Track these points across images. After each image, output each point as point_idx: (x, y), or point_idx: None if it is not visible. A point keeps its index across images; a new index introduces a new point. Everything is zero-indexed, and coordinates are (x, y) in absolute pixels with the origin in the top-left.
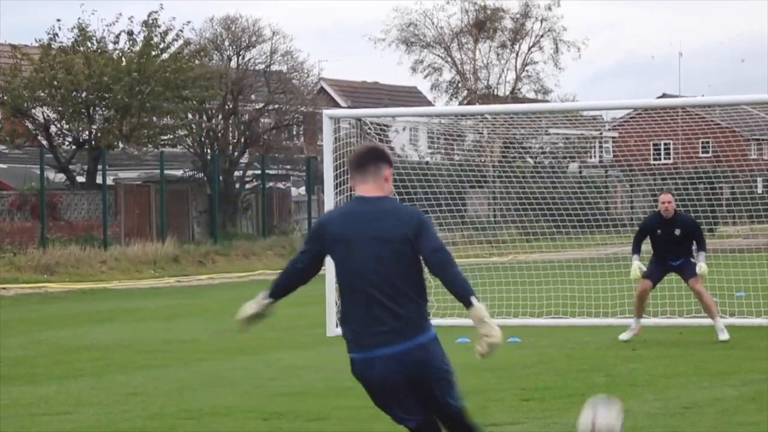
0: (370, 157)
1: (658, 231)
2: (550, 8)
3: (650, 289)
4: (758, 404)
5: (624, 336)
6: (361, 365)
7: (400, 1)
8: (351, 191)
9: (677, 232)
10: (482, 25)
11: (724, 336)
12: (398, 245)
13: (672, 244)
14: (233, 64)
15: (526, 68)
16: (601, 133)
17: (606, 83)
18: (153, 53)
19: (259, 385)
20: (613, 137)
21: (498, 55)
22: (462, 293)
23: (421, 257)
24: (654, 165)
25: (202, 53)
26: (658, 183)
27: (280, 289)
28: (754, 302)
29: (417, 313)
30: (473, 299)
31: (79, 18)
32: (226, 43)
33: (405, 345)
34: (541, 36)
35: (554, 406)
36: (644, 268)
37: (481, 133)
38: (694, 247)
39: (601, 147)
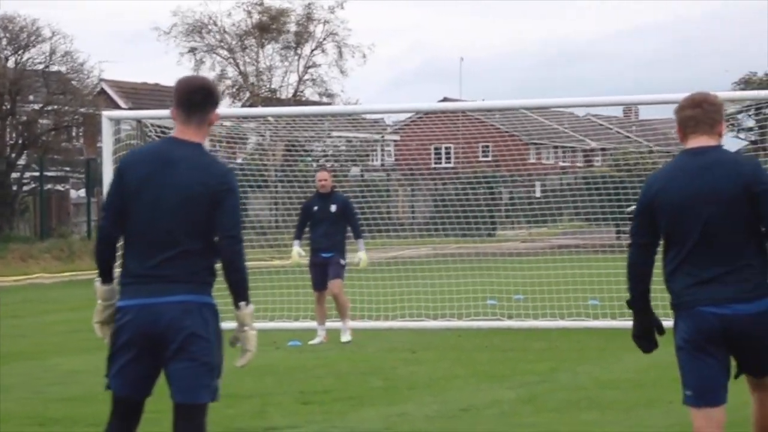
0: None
1: (315, 208)
2: (333, 11)
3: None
4: (535, 406)
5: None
6: None
7: (183, 1)
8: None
9: (333, 208)
10: (266, 28)
11: (346, 338)
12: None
13: (328, 224)
14: (11, 63)
15: (309, 71)
16: (383, 137)
17: (407, 87)
18: None
19: (37, 391)
20: (395, 140)
21: (282, 57)
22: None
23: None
24: (435, 168)
25: None
26: (438, 186)
27: None
28: (531, 305)
29: None
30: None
31: None
32: (4, 42)
33: None
34: (324, 39)
35: (334, 409)
36: (303, 253)
37: (264, 136)
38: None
39: (383, 150)
